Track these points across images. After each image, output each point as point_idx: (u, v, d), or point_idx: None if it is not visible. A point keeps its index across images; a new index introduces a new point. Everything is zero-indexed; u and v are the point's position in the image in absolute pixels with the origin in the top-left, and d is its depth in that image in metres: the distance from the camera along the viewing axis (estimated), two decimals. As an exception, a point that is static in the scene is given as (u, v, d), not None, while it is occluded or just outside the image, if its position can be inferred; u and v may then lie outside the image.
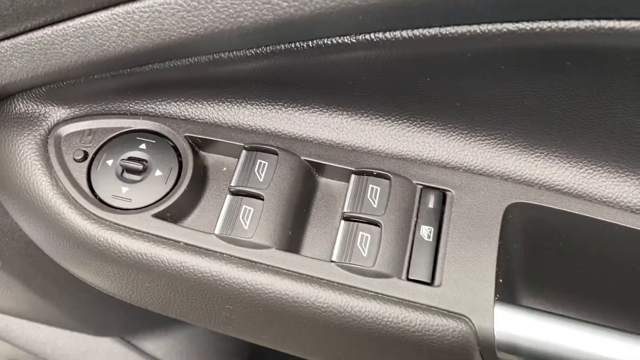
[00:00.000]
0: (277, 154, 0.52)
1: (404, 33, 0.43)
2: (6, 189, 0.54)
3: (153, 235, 0.49)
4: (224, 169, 0.54)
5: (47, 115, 0.53)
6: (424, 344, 0.46)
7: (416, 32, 0.42)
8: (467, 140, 0.51)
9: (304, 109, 0.53)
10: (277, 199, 0.50)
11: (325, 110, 0.53)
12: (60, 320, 0.87)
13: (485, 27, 0.41)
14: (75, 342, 0.92)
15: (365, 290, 0.46)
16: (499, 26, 0.41)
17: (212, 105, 0.54)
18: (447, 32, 0.42)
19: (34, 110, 0.53)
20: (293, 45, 0.46)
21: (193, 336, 1.00)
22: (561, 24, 0.39)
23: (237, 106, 0.54)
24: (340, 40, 0.44)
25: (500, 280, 0.47)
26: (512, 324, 0.45)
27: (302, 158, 0.52)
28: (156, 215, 0.49)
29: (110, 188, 0.51)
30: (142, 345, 0.96)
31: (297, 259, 0.48)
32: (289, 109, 0.53)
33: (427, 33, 0.42)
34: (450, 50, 0.43)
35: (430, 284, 0.47)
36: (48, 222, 0.51)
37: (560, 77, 0.44)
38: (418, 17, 0.41)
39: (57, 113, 0.54)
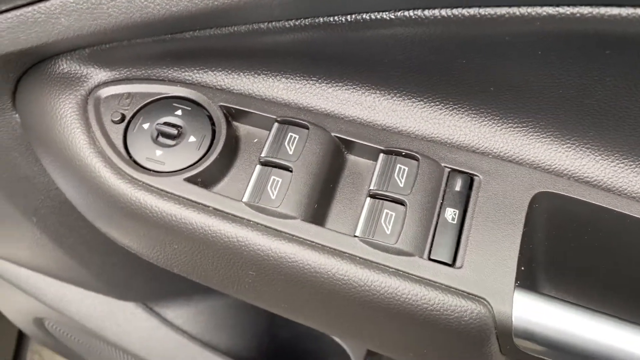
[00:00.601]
0: (308, 128, 0.52)
1: (443, 12, 0.43)
2: (45, 145, 0.56)
3: (184, 198, 0.50)
4: (255, 140, 0.55)
5: (89, 77, 0.55)
6: (442, 323, 0.46)
7: (455, 11, 0.42)
8: (498, 126, 0.51)
9: (337, 85, 0.54)
10: (305, 172, 0.50)
11: (359, 87, 0.53)
12: (87, 282, 0.90)
13: (524, 10, 0.41)
14: (100, 304, 0.95)
15: (386, 266, 0.47)
16: (538, 9, 0.40)
17: (247, 76, 0.55)
18: (486, 13, 0.42)
19: (76, 71, 0.55)
20: (331, 19, 0.46)
21: (214, 307, 1.02)
22: (602, 9, 0.39)
23: (272, 79, 0.55)
24: (378, 16, 0.45)
25: (522, 268, 0.47)
26: (531, 311, 0.45)
27: (333, 134, 0.53)
28: (188, 180, 0.51)
29: (145, 150, 0.53)
30: (164, 313, 0.99)
31: (321, 231, 0.49)
32: (323, 84, 0.54)
33: (466, 13, 0.42)
34: (489, 32, 0.43)
35: (452, 265, 0.47)
36: (83, 180, 0.53)
37: (599, 66, 0.44)
38: (458, -4, 0.42)
39: (98, 75, 0.55)
